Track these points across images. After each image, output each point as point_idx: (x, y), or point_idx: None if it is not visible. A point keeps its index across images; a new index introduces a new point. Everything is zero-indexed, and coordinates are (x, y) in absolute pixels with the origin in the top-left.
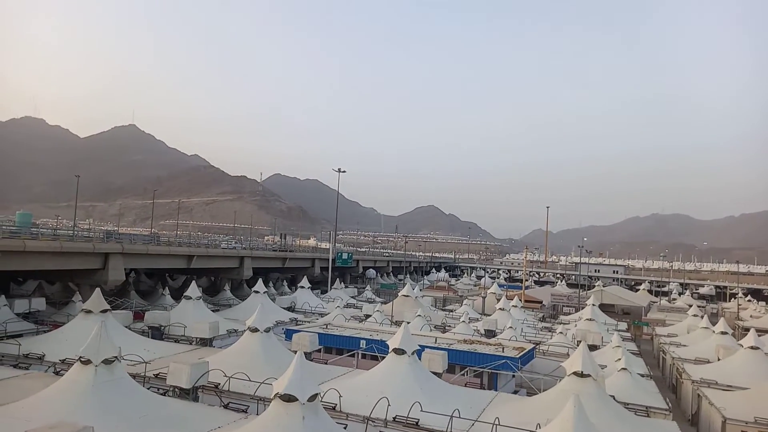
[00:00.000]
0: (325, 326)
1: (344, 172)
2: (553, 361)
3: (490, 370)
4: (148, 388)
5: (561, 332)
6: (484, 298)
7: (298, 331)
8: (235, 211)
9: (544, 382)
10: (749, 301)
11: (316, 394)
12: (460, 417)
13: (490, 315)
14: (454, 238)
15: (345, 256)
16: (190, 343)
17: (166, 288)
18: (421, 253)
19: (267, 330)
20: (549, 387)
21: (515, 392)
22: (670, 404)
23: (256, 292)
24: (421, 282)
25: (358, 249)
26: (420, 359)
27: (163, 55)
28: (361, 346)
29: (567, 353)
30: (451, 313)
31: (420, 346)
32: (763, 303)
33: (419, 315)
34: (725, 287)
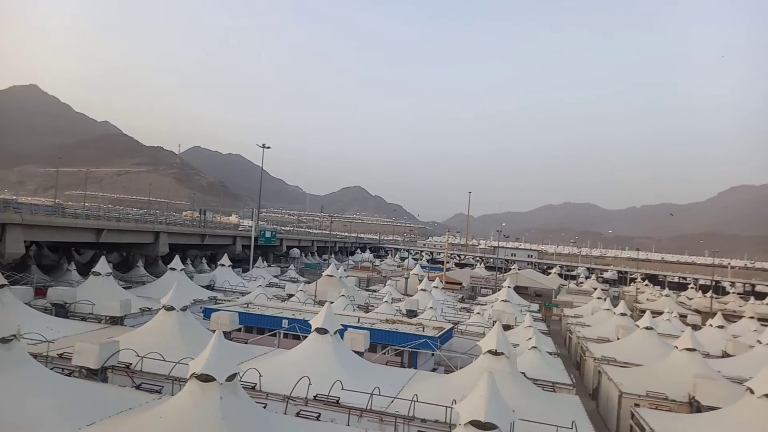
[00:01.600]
0: (246, 305)
1: (269, 148)
2: (470, 340)
3: (410, 349)
4: (52, 369)
5: (478, 313)
6: (406, 279)
7: (217, 309)
8: (151, 184)
9: (462, 360)
10: (647, 285)
11: (235, 374)
12: (380, 394)
13: (412, 296)
14: (380, 220)
15: (268, 234)
16: (99, 322)
17: (72, 263)
18: (346, 234)
19: (183, 309)
20: (466, 365)
21: (434, 370)
22: (574, 380)
23: (173, 269)
24: (346, 262)
25: (283, 227)
26: (342, 338)
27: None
28: (283, 325)
29: (483, 333)
30: (374, 294)
31: (343, 325)
32: (659, 287)
33: (343, 295)
34: (626, 272)
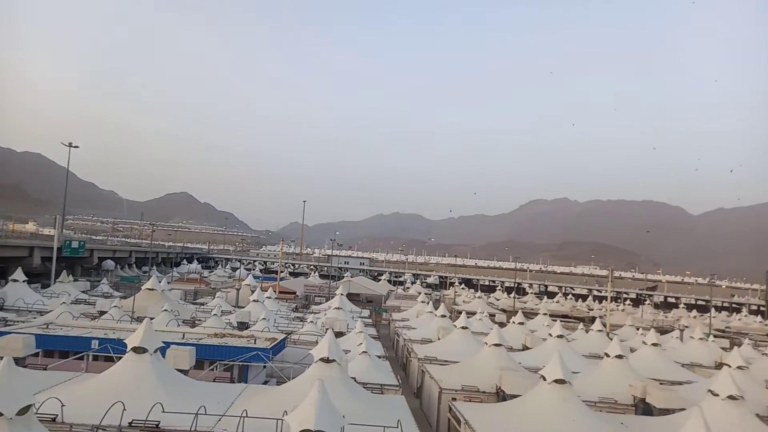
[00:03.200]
0: (45, 326)
1: (76, 147)
2: (303, 349)
3: (240, 363)
4: None
5: (312, 321)
6: (238, 290)
7: (8, 332)
8: None
9: (294, 370)
10: (463, 288)
11: (29, 406)
12: (206, 414)
13: (243, 307)
14: (210, 228)
15: (75, 244)
16: None
17: None
18: (171, 243)
19: None
20: (299, 374)
21: (266, 382)
22: (400, 380)
23: None
24: (170, 274)
25: (94, 237)
26: (164, 357)
27: None
28: (92, 346)
29: (316, 341)
30: (202, 307)
31: (165, 342)
32: (473, 290)
33: (166, 310)
34: (446, 277)
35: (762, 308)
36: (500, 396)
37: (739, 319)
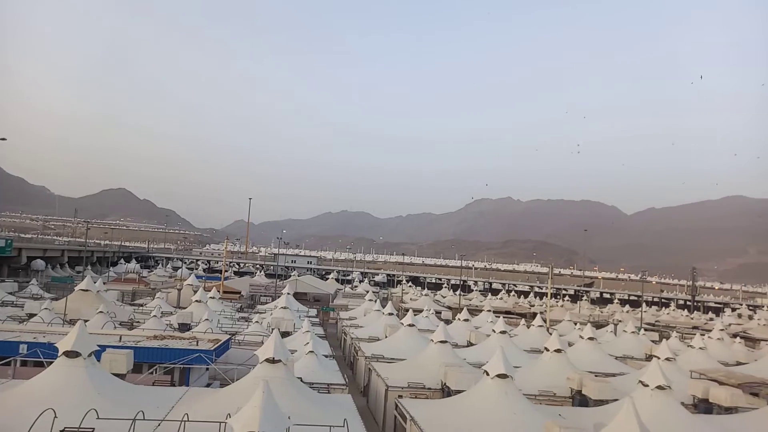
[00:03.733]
0: None
1: (4, 140)
2: (248, 350)
3: (181, 366)
4: None
5: (257, 321)
6: (179, 290)
7: None
8: None
9: (239, 372)
10: (410, 286)
11: None
12: (144, 419)
13: (185, 308)
14: (150, 226)
15: (1, 243)
16: None
17: None
18: (108, 242)
19: None
20: (243, 376)
21: (209, 385)
22: (347, 379)
23: None
24: (106, 274)
25: (22, 235)
26: (99, 361)
27: None
28: (20, 351)
29: (262, 341)
30: (141, 308)
31: (100, 346)
32: (420, 288)
33: (101, 311)
34: (394, 275)
35: (688, 303)
36: (445, 392)
37: (668, 314)
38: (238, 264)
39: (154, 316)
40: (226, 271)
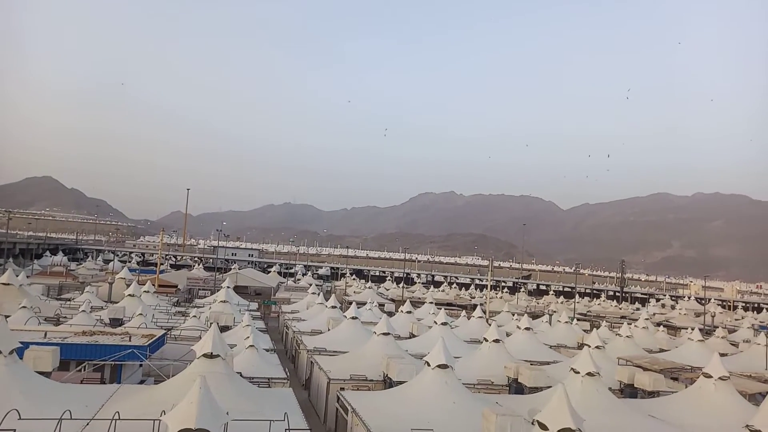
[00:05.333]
0: None
1: None
2: (185, 345)
3: (113, 362)
4: None
5: (195, 316)
6: (111, 284)
7: None
8: None
9: (174, 368)
10: (354, 279)
11: None
12: (71, 418)
13: (117, 302)
14: (79, 217)
15: None
16: None
17: None
18: (31, 233)
19: None
20: (179, 372)
21: (142, 382)
22: (288, 373)
23: None
24: (30, 267)
25: None
26: (22, 359)
27: None
28: None
29: (199, 336)
30: (68, 303)
31: (22, 343)
32: (364, 280)
33: (24, 306)
34: (338, 268)
35: (618, 294)
36: (387, 383)
37: (599, 304)
38: (175, 257)
39: (83, 311)
40: (161, 264)
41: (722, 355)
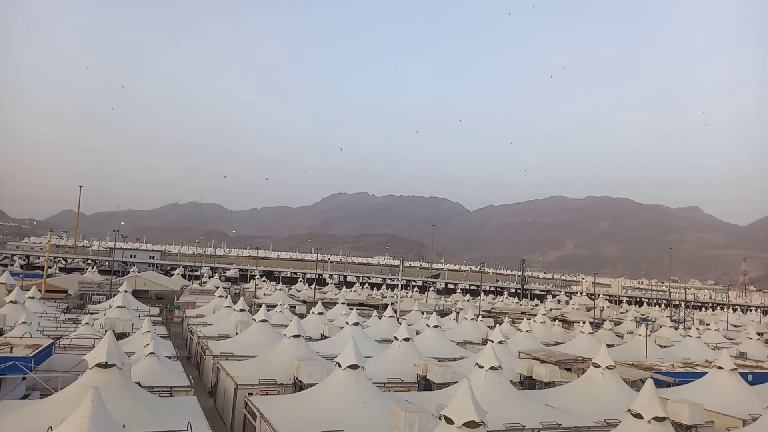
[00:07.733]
0: None
1: None
2: (75, 355)
3: None
4: None
5: (88, 323)
6: None
7: None
8: None
9: (63, 380)
10: (264, 281)
11: None
12: None
13: None
14: None
15: None
16: None
17: None
18: None
19: None
20: (69, 384)
21: (26, 396)
22: (192, 381)
23: None
24: None
25: None
26: None
27: None
28: None
29: (93, 345)
30: None
31: None
32: (274, 282)
33: None
34: (247, 270)
35: (519, 291)
36: (298, 386)
37: (502, 301)
38: (65, 259)
39: None
40: (49, 267)
41: (609, 346)
